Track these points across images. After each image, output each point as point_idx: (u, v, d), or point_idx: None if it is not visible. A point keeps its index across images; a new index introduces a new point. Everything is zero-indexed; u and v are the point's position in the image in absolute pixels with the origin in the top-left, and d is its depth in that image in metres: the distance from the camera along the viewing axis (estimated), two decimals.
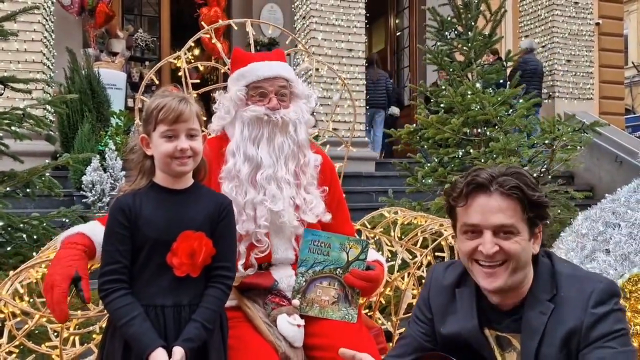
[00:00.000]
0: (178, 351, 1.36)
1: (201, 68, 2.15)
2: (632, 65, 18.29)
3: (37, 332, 1.96)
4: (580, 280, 1.29)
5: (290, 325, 1.61)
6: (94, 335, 1.85)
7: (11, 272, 1.61)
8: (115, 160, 4.85)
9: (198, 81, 2.01)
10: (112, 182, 4.72)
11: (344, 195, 2.02)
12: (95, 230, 1.54)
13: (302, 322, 1.64)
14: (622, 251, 1.88)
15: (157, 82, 1.61)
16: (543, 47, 7.41)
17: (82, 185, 4.59)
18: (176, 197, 1.48)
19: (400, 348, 1.46)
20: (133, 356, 1.38)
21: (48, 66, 5.60)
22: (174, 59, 2.26)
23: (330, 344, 1.61)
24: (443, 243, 1.93)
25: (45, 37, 5.52)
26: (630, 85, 17.09)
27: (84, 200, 4.48)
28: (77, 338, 1.84)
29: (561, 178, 4.30)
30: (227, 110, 1.80)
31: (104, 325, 1.96)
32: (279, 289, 1.71)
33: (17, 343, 1.66)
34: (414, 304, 1.72)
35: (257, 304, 1.68)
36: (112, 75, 6.14)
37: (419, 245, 2.05)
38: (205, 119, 1.78)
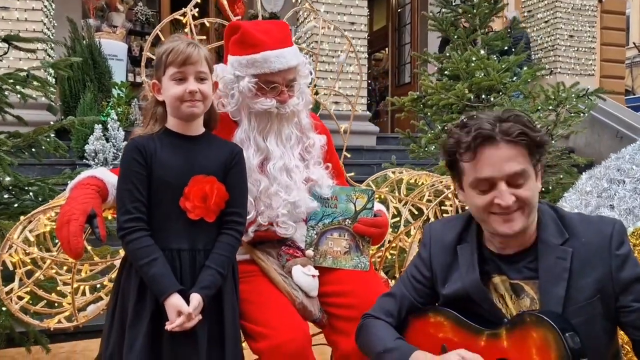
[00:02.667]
0: (195, 298, 1.39)
1: (208, 25, 2.14)
2: (634, 45, 18.18)
3: (47, 286, 1.98)
4: (594, 224, 1.30)
5: (305, 276, 1.63)
6: (105, 282, 1.87)
7: (22, 217, 1.62)
8: (118, 130, 4.84)
9: (205, 37, 1.99)
10: (115, 151, 4.72)
11: (338, 157, 2.04)
12: (105, 173, 1.56)
13: (316, 272, 1.66)
14: (626, 206, 1.90)
15: (152, 56, 1.59)
16: (546, 22, 7.36)
17: (85, 154, 4.59)
18: (189, 143, 1.49)
19: (390, 306, 1.45)
20: (148, 295, 1.40)
21: (49, 36, 5.55)
22: (180, 15, 2.23)
23: (346, 290, 1.65)
24: (450, 195, 1.94)
25: (45, 7, 5.47)
26: (630, 65, 17.01)
27: (87, 168, 4.48)
28: (87, 288, 1.86)
29: (568, 151, 4.32)
30: (231, 95, 1.73)
31: (113, 276, 1.99)
32: (292, 239, 1.73)
33: (27, 289, 1.68)
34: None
35: (271, 256, 1.70)
36: (113, 46, 6.09)
37: (424, 200, 2.06)
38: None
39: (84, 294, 1.84)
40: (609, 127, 6.37)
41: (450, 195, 1.95)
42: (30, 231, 1.68)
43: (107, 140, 4.74)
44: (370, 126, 6.59)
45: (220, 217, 1.49)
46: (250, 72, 1.70)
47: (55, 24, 5.83)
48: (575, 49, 7.34)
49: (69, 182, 3.02)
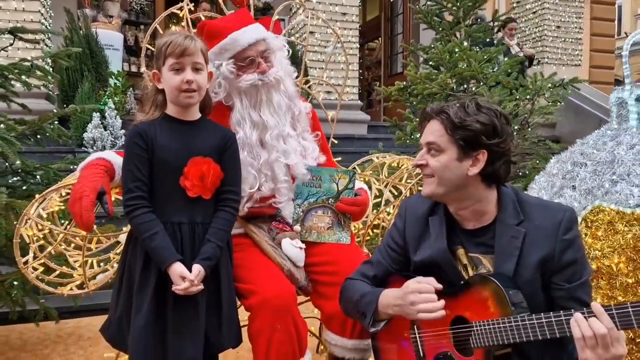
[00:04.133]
0: (196, 267, 1.56)
1: (203, 18, 2.24)
2: (625, 35, 18.34)
3: (58, 261, 2.15)
4: (548, 209, 1.47)
5: (293, 247, 1.81)
6: (111, 256, 2.04)
7: (37, 195, 1.78)
8: (115, 118, 4.99)
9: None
10: (112, 139, 4.87)
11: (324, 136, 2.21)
12: (112, 155, 1.72)
13: (303, 245, 1.85)
14: (586, 186, 2.07)
15: (152, 49, 1.71)
16: (534, 12, 7.52)
17: (84, 142, 4.74)
18: (186, 127, 1.66)
19: (368, 270, 1.64)
20: (153, 264, 1.57)
21: (46, 26, 5.66)
22: (177, 9, 2.38)
23: (329, 260, 1.84)
24: None
25: None
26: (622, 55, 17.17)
27: (86, 155, 4.63)
28: (94, 262, 2.04)
29: (547, 140, 4.50)
30: (218, 84, 1.89)
31: (118, 251, 2.17)
32: (282, 215, 1.91)
33: (41, 261, 1.85)
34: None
35: (262, 229, 1.88)
36: (109, 36, 6.20)
37: (403, 182, 2.24)
38: None
39: (92, 266, 2.01)
40: (593, 115, 6.56)
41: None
42: (43, 209, 1.85)
43: (105, 128, 4.89)
44: (361, 115, 6.75)
45: (216, 194, 1.66)
46: (226, 56, 1.88)
47: (52, 14, 5.94)
48: (563, 39, 7.51)
49: (71, 167, 3.20)
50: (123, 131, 4.97)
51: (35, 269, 1.83)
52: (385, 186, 2.27)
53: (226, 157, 1.69)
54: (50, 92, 5.49)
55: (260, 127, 1.88)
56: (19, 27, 2.72)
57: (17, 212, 2.07)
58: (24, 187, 2.53)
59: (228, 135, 1.73)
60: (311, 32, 5.75)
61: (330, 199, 1.97)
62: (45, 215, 1.83)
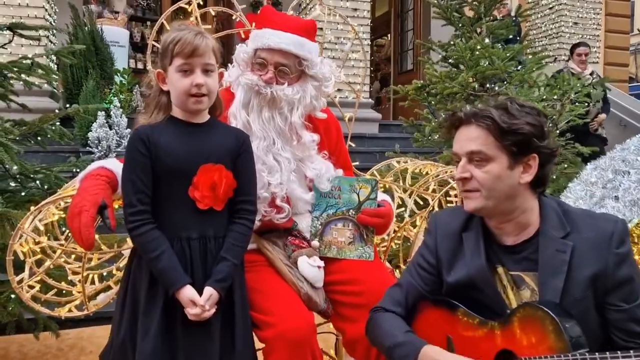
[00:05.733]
0: (208, 291, 1.40)
1: (213, 14, 2.12)
2: (638, 31, 18.04)
3: (56, 274, 2.00)
4: (596, 220, 1.33)
5: (310, 267, 1.65)
6: (114, 271, 1.89)
7: (32, 207, 1.63)
8: (121, 117, 4.84)
9: (210, 27, 1.99)
10: (118, 139, 4.73)
11: (347, 150, 2.05)
12: (115, 163, 1.57)
13: (322, 263, 1.68)
14: (631, 197, 1.91)
15: (158, 46, 1.60)
16: (550, 8, 7.31)
17: (88, 142, 4.60)
18: (195, 130, 1.49)
19: (398, 295, 1.47)
20: (160, 288, 1.41)
21: (50, 22, 5.52)
22: (186, 4, 2.23)
23: (351, 278, 1.67)
24: (456, 186, 1.95)
25: None
26: (635, 52, 16.90)
27: (90, 155, 4.50)
28: (95, 277, 1.89)
29: (567, 142, 4.31)
30: (234, 65, 1.77)
31: (121, 265, 2.01)
32: (298, 229, 1.75)
33: (38, 278, 1.70)
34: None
35: (277, 245, 1.72)
36: (115, 33, 6.06)
37: (430, 191, 2.07)
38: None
39: (92, 282, 1.86)
40: (613, 115, 6.35)
41: (455, 186, 1.96)
42: (40, 220, 1.70)
43: (110, 127, 4.75)
44: (373, 113, 6.58)
45: (229, 204, 1.50)
46: (252, 45, 1.74)
47: (57, 10, 5.80)
48: (580, 36, 7.30)
49: (74, 170, 3.06)
50: (128, 130, 4.83)
51: (31, 287, 1.68)
52: (410, 195, 2.10)
53: (240, 163, 1.52)
54: (55, 90, 5.36)
55: (248, 131, 1.69)
56: (18, 23, 2.57)
57: (12, 222, 1.92)
58: (23, 193, 2.38)
59: (242, 137, 1.56)
60: (320, 29, 5.57)
61: (351, 211, 1.80)
62: (42, 228, 1.68)
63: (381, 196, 1.86)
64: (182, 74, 1.43)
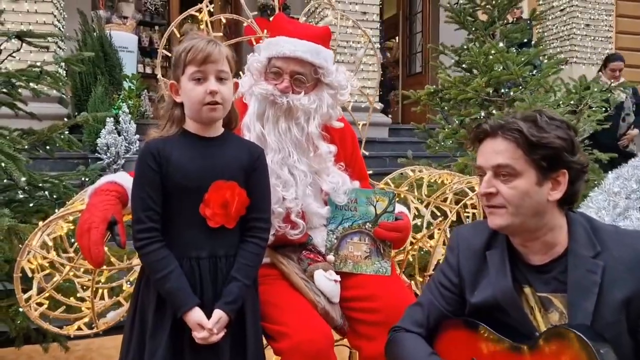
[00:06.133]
0: (217, 314, 1.35)
1: (224, 21, 2.07)
2: None
3: (64, 286, 1.96)
4: (628, 238, 1.26)
5: (327, 281, 1.59)
6: (123, 287, 1.85)
7: (40, 223, 1.59)
8: (129, 123, 4.81)
9: (221, 34, 1.95)
10: (127, 145, 4.70)
11: (362, 159, 1.99)
12: (125, 178, 1.52)
13: (338, 277, 1.62)
14: None
15: (168, 53, 1.58)
16: (562, 10, 7.22)
17: (97, 148, 4.57)
18: (207, 145, 1.44)
19: (418, 315, 1.41)
20: (168, 304, 1.36)
21: (59, 28, 5.51)
22: (196, 11, 2.19)
23: (368, 294, 1.61)
24: (475, 198, 1.89)
25: None
26: None
27: (98, 162, 4.47)
28: (105, 292, 1.84)
29: (584, 149, 4.19)
30: (247, 75, 1.72)
31: (131, 279, 1.97)
32: (313, 244, 1.69)
33: (46, 295, 1.65)
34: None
35: (292, 259, 1.66)
36: (123, 38, 6.04)
37: (448, 202, 2.01)
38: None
39: (102, 297, 1.82)
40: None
41: (475, 198, 1.90)
42: (48, 235, 1.66)
43: (119, 133, 4.72)
44: (382, 117, 6.52)
45: (241, 221, 1.45)
46: (265, 54, 1.68)
47: (66, 16, 5.78)
48: (592, 38, 7.20)
49: (83, 179, 3.02)
50: (137, 136, 4.80)
51: (40, 304, 1.63)
52: (426, 206, 2.04)
53: (254, 179, 1.46)
54: (64, 96, 5.34)
55: (263, 144, 1.64)
56: (26, 31, 2.54)
57: (20, 237, 1.88)
58: (31, 204, 2.34)
59: (256, 152, 1.50)
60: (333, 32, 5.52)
61: (368, 224, 1.75)
62: (50, 243, 1.64)
63: (398, 208, 1.80)
64: (195, 83, 1.38)
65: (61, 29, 5.56)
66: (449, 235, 1.93)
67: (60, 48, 5.41)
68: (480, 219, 1.94)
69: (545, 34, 6.70)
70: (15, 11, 5.16)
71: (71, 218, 1.65)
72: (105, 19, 6.17)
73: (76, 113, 5.02)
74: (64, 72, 5.35)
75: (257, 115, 1.67)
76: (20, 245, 1.85)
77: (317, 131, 1.70)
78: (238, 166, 1.44)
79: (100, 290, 1.82)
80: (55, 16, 5.38)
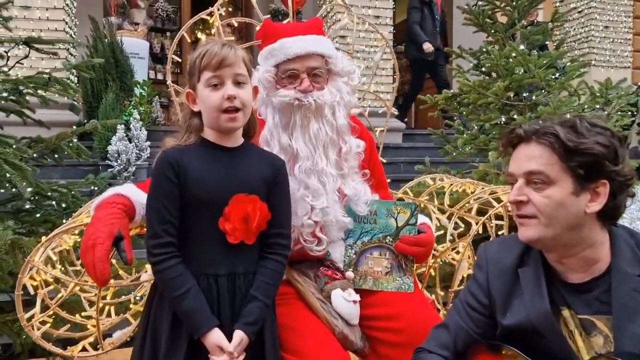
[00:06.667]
0: (238, 335, 1.26)
1: (235, 24, 2.02)
2: None
3: (70, 301, 1.88)
4: None
5: (345, 302, 1.49)
6: (131, 305, 1.76)
7: (43, 238, 1.51)
8: (140, 130, 4.76)
9: (233, 38, 1.87)
10: (138, 152, 4.64)
11: (382, 166, 1.90)
12: (132, 189, 1.43)
13: (357, 297, 1.52)
14: None
15: (178, 59, 1.53)
16: (579, 12, 7.07)
17: (108, 155, 4.52)
18: (228, 155, 1.35)
19: (445, 337, 1.32)
20: (184, 329, 1.28)
21: (71, 35, 5.48)
22: (207, 15, 2.11)
23: (390, 313, 1.51)
24: (501, 210, 1.78)
25: (67, 5, 5.39)
26: None
27: (109, 169, 4.42)
28: (112, 308, 1.76)
29: None
30: (261, 91, 1.61)
31: (139, 295, 1.88)
32: (331, 259, 1.59)
33: (50, 313, 1.57)
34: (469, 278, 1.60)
35: (308, 277, 1.56)
36: (134, 44, 6.01)
37: (473, 213, 1.90)
38: None
39: (109, 314, 1.73)
40: None
41: (501, 210, 1.79)
42: (53, 249, 1.58)
43: (130, 140, 4.67)
44: (397, 122, 6.40)
45: (261, 237, 1.36)
46: (270, 62, 1.60)
47: (77, 22, 5.76)
48: (611, 40, 7.04)
49: (92, 187, 2.96)
50: (148, 143, 4.74)
51: (43, 322, 1.55)
52: (449, 217, 1.93)
53: (276, 192, 1.38)
54: (75, 103, 5.30)
55: (289, 154, 1.56)
56: (34, 37, 2.48)
57: (24, 250, 1.80)
58: (38, 215, 2.27)
59: (278, 164, 1.42)
60: (342, 37, 5.44)
61: (388, 237, 1.64)
62: (55, 258, 1.56)
63: (420, 219, 1.69)
64: (211, 89, 1.30)
65: (73, 35, 5.53)
66: (473, 249, 1.82)
67: (71, 55, 5.39)
68: (508, 231, 1.83)
69: (563, 36, 6.54)
70: (27, 18, 5.14)
71: (77, 231, 1.57)
72: (117, 25, 6.15)
73: (86, 120, 4.97)
74: (76, 78, 5.32)
75: (282, 126, 1.58)
76: (24, 260, 1.77)
77: (347, 121, 1.64)
78: (260, 179, 1.36)
79: (106, 307, 1.74)
80: (66, 23, 5.36)
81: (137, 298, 1.91)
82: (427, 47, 6.21)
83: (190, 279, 1.27)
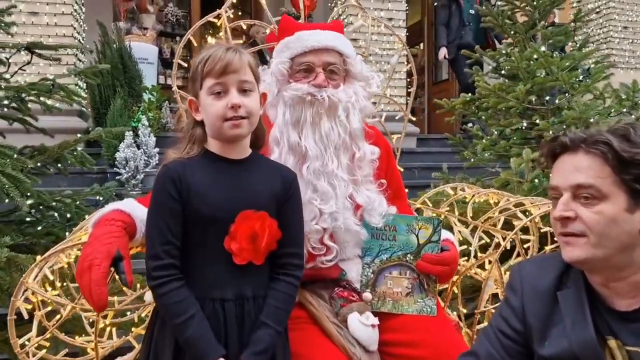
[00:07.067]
0: None
1: (244, 27, 1.96)
2: None
3: (72, 318, 1.78)
4: None
5: (363, 327, 1.37)
6: (132, 329, 1.65)
7: (38, 257, 1.41)
8: (149, 136, 4.67)
9: (241, 41, 1.76)
10: (146, 158, 4.56)
11: (400, 175, 1.78)
12: (133, 205, 1.33)
13: (376, 321, 1.39)
14: None
15: (185, 65, 1.47)
16: (597, 13, 6.89)
17: (116, 162, 4.43)
18: (233, 168, 1.24)
19: None
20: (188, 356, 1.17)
21: (79, 40, 5.43)
22: (214, 17, 2.01)
23: (413, 340, 1.38)
24: (530, 224, 1.65)
25: (75, 10, 5.34)
26: None
27: (117, 177, 4.33)
28: (114, 330, 1.65)
29: None
30: (269, 89, 1.50)
31: (143, 315, 1.78)
32: (347, 279, 1.47)
33: (48, 336, 1.47)
34: (500, 297, 1.47)
35: (323, 299, 1.44)
36: (143, 49, 5.94)
37: (499, 227, 1.77)
38: None
39: (110, 336, 1.62)
40: None
41: (529, 224, 1.66)
42: (51, 267, 1.48)
43: (138, 147, 4.58)
44: (411, 127, 6.27)
45: (271, 256, 1.25)
46: (285, 55, 1.51)
47: (86, 28, 5.71)
48: (630, 41, 6.85)
49: (97, 197, 2.86)
50: (157, 149, 4.65)
51: (40, 346, 1.45)
52: (473, 231, 1.80)
53: (287, 208, 1.27)
54: (84, 109, 5.24)
55: (298, 154, 1.46)
56: (36, 42, 2.39)
57: (21, 268, 1.70)
58: (39, 227, 2.18)
59: (289, 177, 1.30)
60: (354, 39, 5.34)
61: (409, 255, 1.52)
62: (52, 277, 1.46)
63: (443, 234, 1.57)
64: (215, 97, 1.20)
65: (81, 41, 5.47)
66: (499, 265, 1.69)
67: (80, 61, 5.33)
68: (537, 247, 1.70)
69: (581, 37, 6.38)
70: (35, 24, 5.09)
71: (75, 249, 1.47)
72: (125, 30, 6.09)
73: (91, 127, 4.91)
74: (85, 85, 5.26)
75: (292, 123, 1.48)
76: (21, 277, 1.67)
77: (361, 126, 1.53)
78: (269, 193, 1.25)
79: (108, 328, 1.63)
80: (74, 28, 5.30)
81: (143, 316, 1.81)
82: (441, 53, 6.01)
83: (194, 303, 1.17)
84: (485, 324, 1.63)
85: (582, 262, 1.08)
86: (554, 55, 2.82)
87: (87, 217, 2.07)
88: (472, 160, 3.20)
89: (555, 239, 1.15)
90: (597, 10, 6.90)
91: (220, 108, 1.18)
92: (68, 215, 2.53)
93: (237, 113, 1.18)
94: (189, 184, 1.19)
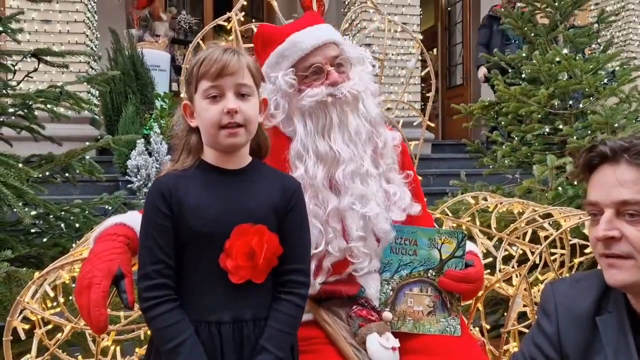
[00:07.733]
0: None
1: (255, 29, 1.91)
2: None
3: (76, 333, 1.71)
4: None
5: (383, 350, 1.26)
6: (136, 350, 1.57)
7: (36, 275, 1.33)
8: (161, 144, 4.61)
9: (251, 45, 1.68)
10: (158, 166, 4.50)
11: (418, 179, 1.67)
12: (136, 218, 1.24)
13: (397, 343, 1.29)
14: None
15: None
16: (616, 15, 6.72)
17: (127, 170, 4.39)
18: (229, 179, 1.15)
19: None
20: None
21: (92, 48, 5.41)
22: (224, 20, 1.94)
23: None
24: (562, 237, 1.54)
25: (87, 18, 5.33)
26: None
27: (129, 185, 4.28)
28: (118, 349, 1.57)
29: None
30: (275, 105, 1.41)
31: (149, 332, 1.69)
32: (365, 296, 1.37)
33: (47, 358, 1.39)
34: (531, 317, 1.36)
35: (339, 317, 1.34)
36: (155, 56, 5.92)
37: (527, 240, 1.66)
38: None
39: (114, 356, 1.54)
40: None
41: (560, 237, 1.55)
42: (51, 283, 1.40)
43: (150, 154, 4.53)
44: (426, 133, 6.17)
45: (273, 273, 1.15)
46: (285, 65, 1.41)
47: (98, 35, 5.70)
48: None
49: (107, 207, 2.80)
50: (169, 157, 4.60)
51: None
52: (499, 243, 1.69)
53: (290, 220, 1.17)
54: (96, 116, 5.21)
55: (330, 160, 1.36)
56: (43, 49, 2.33)
57: (22, 284, 1.63)
58: (45, 239, 2.11)
59: (291, 186, 1.20)
60: (368, 45, 5.25)
61: (431, 271, 1.42)
62: (52, 294, 1.38)
63: (468, 247, 1.46)
64: (210, 101, 1.11)
65: (94, 48, 5.46)
66: (527, 280, 1.58)
67: (92, 68, 5.31)
68: (568, 262, 1.59)
69: (599, 40, 6.22)
70: (47, 32, 5.09)
71: (76, 266, 1.39)
72: (138, 37, 6.07)
73: (104, 135, 4.86)
74: (97, 92, 5.23)
75: (317, 131, 1.38)
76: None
77: (378, 111, 1.46)
78: (268, 205, 1.14)
79: (112, 347, 1.55)
80: (87, 36, 5.29)
81: (149, 333, 1.72)
82: (480, 72, 5.87)
83: (187, 327, 1.07)
84: (513, 344, 1.52)
85: (628, 287, 0.98)
86: (577, 57, 2.70)
87: (95, 227, 2.00)
88: (492, 167, 3.08)
89: (593, 255, 1.05)
90: (617, 12, 6.73)
91: (216, 113, 1.09)
92: (77, 225, 2.47)
93: (234, 119, 1.09)
94: (181, 199, 1.10)
